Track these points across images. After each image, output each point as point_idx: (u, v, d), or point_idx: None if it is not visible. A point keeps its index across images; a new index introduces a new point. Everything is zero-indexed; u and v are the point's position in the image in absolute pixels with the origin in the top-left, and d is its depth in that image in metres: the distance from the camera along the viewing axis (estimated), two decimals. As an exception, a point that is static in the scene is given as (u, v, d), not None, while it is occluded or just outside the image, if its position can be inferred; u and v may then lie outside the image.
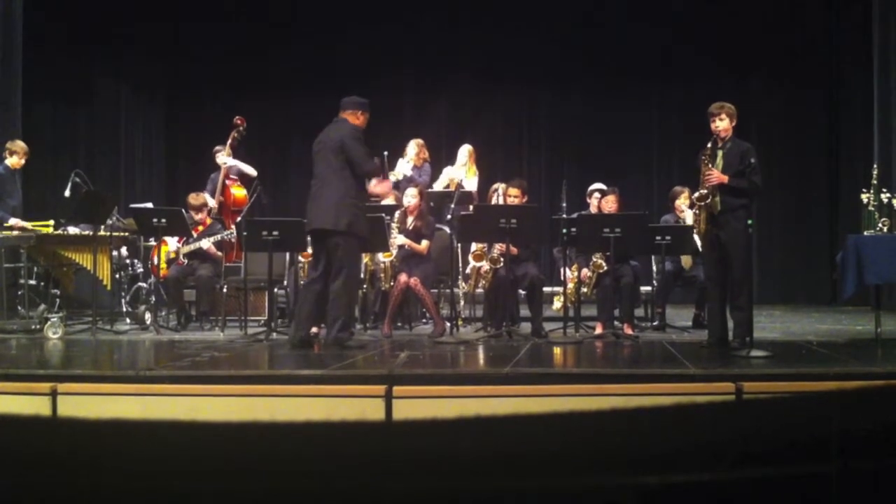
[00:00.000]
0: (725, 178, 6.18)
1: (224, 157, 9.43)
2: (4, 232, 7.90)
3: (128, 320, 8.73)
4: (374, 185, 7.34)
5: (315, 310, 6.70)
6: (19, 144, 8.43)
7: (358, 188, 6.65)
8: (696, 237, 6.89)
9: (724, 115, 6.33)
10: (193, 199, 8.64)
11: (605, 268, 7.42)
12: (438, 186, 9.24)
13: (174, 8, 11.78)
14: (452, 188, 8.95)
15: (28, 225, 8.09)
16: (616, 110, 12.19)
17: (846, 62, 11.46)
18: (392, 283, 7.55)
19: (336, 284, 6.50)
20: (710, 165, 6.25)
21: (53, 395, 4.87)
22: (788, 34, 11.80)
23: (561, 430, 0.92)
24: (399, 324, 8.13)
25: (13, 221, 8.03)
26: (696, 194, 6.28)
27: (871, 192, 7.00)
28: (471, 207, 7.95)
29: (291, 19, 12.06)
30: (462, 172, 9.26)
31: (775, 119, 11.83)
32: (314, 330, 7.39)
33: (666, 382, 4.99)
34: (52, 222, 8.34)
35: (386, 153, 9.38)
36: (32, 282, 8.28)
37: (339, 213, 6.48)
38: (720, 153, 6.31)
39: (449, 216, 7.88)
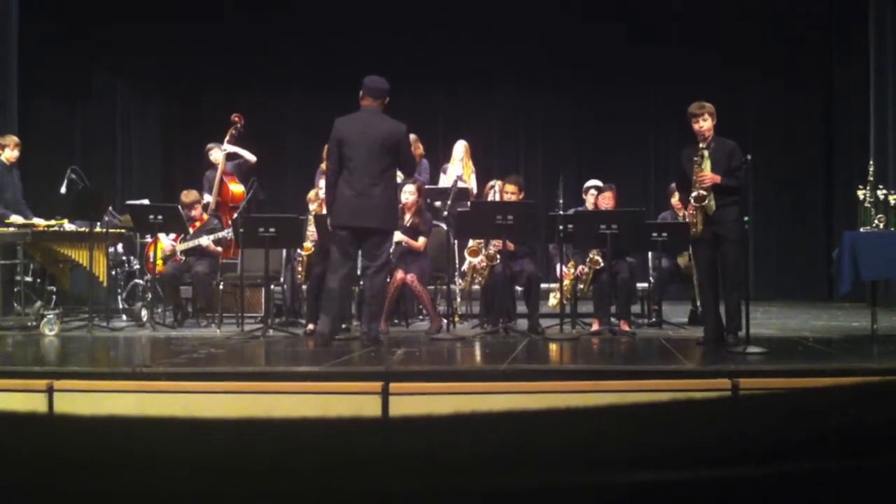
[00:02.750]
0: (718, 179, 6.19)
1: (220, 150, 9.40)
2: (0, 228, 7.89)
3: (124, 317, 8.72)
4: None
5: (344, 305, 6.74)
6: (10, 138, 8.42)
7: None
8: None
9: (706, 116, 6.30)
10: (185, 196, 8.63)
11: (602, 264, 7.42)
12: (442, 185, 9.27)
13: (171, 4, 11.75)
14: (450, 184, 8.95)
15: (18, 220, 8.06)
16: (613, 107, 12.21)
17: (842, 59, 11.47)
18: (388, 280, 7.54)
19: (378, 281, 6.53)
20: (701, 167, 6.25)
21: (49, 392, 4.87)
22: (785, 31, 11.81)
23: (557, 427, 0.92)
24: (395, 320, 8.13)
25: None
26: (694, 195, 6.25)
27: (868, 188, 7.00)
28: (468, 204, 7.96)
29: (289, 16, 12.04)
30: (459, 168, 9.26)
31: (772, 116, 11.85)
32: (311, 326, 7.38)
33: (662, 379, 5.00)
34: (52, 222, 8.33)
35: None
36: (28, 278, 8.27)
37: (391, 214, 6.57)
38: (706, 153, 6.29)
39: (445, 213, 7.88)
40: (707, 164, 6.26)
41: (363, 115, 6.53)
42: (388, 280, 7.43)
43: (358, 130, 6.43)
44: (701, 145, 6.30)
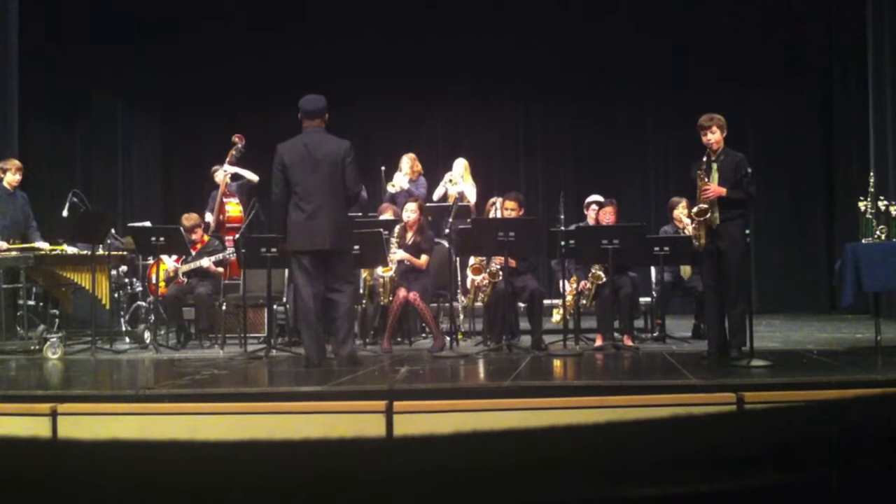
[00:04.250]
0: (724, 191, 6.15)
1: (223, 171, 9.44)
2: (2, 253, 7.89)
3: (127, 339, 8.71)
4: None
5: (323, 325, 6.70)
6: (11, 162, 8.42)
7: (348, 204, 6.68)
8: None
9: (714, 128, 6.28)
10: (186, 219, 8.64)
11: (604, 279, 7.42)
12: (439, 191, 9.29)
13: (170, 24, 11.80)
14: (451, 201, 8.97)
15: (4, 245, 8.03)
16: (613, 121, 12.26)
17: (841, 70, 11.50)
18: (391, 298, 7.55)
19: (348, 299, 6.48)
20: (706, 179, 6.23)
21: (53, 415, 4.86)
22: (784, 43, 11.84)
23: (562, 443, 0.92)
24: (399, 339, 8.12)
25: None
26: (695, 209, 6.23)
27: (868, 199, 7.00)
28: (469, 221, 7.97)
29: (289, 34, 12.08)
30: (460, 185, 9.28)
31: (772, 128, 11.88)
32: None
33: (667, 393, 4.98)
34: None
35: (384, 168, 9.40)
36: (31, 302, 8.27)
37: (345, 232, 6.49)
38: (714, 166, 6.26)
39: (447, 230, 7.88)
40: (715, 177, 6.24)
41: (306, 137, 6.51)
42: (383, 302, 7.43)
43: (302, 153, 6.41)
44: (710, 157, 6.29)
